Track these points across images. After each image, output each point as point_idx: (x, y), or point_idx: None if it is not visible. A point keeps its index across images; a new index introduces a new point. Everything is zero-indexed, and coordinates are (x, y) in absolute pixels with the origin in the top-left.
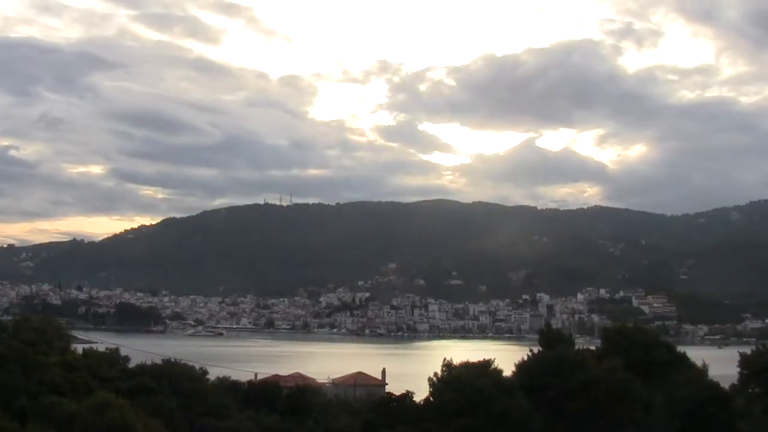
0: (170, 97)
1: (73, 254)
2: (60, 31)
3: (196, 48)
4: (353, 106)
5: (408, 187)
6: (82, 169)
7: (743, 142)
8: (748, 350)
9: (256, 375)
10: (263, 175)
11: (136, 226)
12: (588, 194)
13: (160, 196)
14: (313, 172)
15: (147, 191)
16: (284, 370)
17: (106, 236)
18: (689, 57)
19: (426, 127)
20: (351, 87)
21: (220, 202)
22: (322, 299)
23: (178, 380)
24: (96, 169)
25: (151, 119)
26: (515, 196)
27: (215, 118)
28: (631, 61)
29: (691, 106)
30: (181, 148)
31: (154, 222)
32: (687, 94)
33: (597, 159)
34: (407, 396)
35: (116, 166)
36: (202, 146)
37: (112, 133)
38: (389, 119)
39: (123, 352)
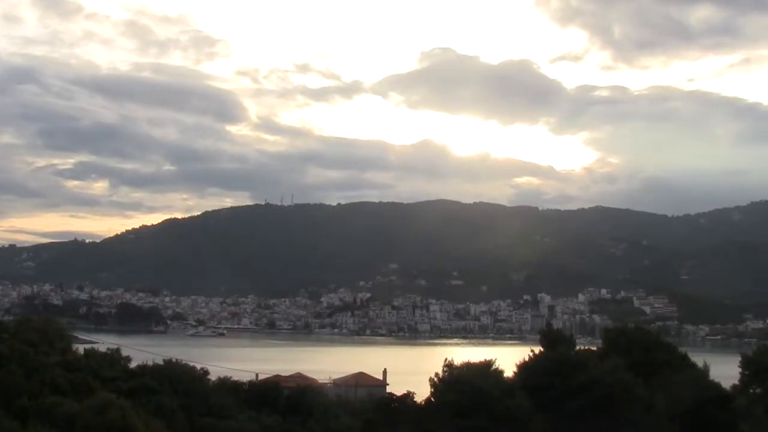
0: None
1: (75, 254)
2: None
3: None
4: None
5: (332, 180)
6: None
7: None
8: (749, 351)
9: (257, 375)
10: (187, 168)
11: (137, 226)
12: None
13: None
14: (229, 165)
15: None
16: (285, 370)
17: (107, 236)
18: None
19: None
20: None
21: (168, 197)
22: (323, 299)
23: (179, 380)
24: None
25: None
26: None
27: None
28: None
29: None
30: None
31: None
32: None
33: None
34: (408, 396)
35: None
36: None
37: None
38: (266, 110)
39: (124, 352)
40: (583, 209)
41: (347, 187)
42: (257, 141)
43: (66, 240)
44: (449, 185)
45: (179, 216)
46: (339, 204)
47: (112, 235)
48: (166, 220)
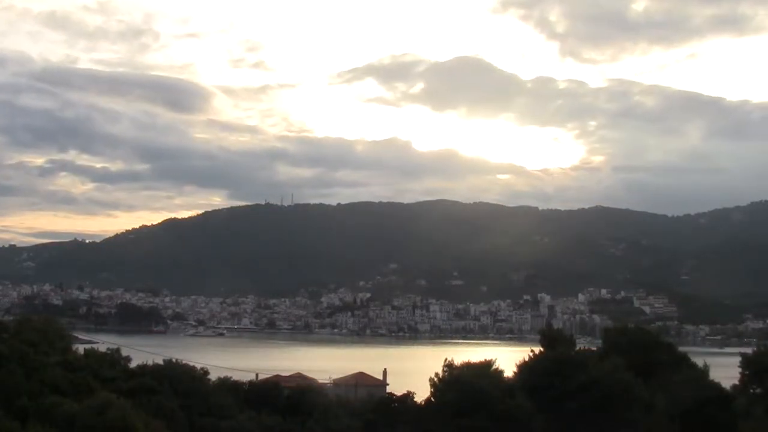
0: None
1: (75, 254)
2: None
3: None
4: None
5: (303, 178)
6: None
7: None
8: (749, 350)
9: (257, 375)
10: (157, 166)
11: (137, 226)
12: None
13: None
14: (198, 163)
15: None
16: (285, 370)
17: (107, 236)
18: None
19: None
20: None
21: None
22: (323, 299)
23: (179, 380)
24: None
25: None
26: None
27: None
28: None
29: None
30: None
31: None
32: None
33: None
34: (408, 396)
35: None
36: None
37: None
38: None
39: (124, 352)
40: (583, 209)
41: (319, 185)
42: (218, 138)
43: (66, 240)
44: (426, 183)
45: (177, 216)
46: (339, 204)
47: (112, 235)
48: (166, 220)
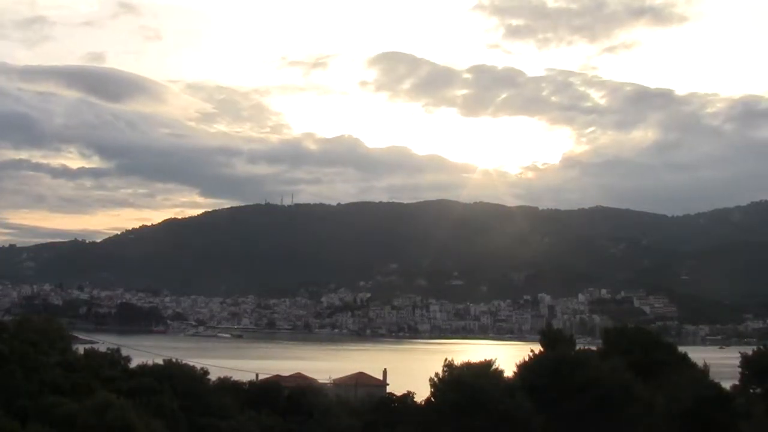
0: None
1: (75, 254)
2: None
3: None
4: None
5: (266, 176)
6: None
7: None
8: (749, 350)
9: (257, 375)
10: (118, 162)
11: (137, 226)
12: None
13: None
14: (156, 159)
15: None
16: (285, 370)
17: (107, 236)
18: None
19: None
20: None
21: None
22: (323, 299)
23: (179, 380)
24: None
25: None
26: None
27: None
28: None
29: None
30: None
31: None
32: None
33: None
34: (408, 396)
35: None
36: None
37: None
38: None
39: (124, 352)
40: (583, 209)
41: (283, 183)
42: (165, 135)
43: (66, 240)
44: (389, 180)
45: (178, 216)
46: (339, 204)
47: (112, 235)
48: (167, 220)
